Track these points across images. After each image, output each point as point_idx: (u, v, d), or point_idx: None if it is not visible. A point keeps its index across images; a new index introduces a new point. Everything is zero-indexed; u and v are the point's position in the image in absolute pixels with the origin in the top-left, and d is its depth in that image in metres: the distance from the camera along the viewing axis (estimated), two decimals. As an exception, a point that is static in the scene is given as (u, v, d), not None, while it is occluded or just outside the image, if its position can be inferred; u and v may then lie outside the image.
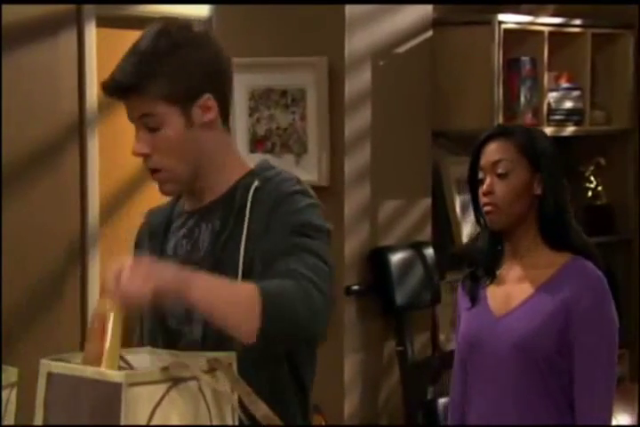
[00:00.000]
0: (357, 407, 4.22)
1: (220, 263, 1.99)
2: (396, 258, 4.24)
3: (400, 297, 4.22)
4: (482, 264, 2.54)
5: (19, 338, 3.80)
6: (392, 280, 4.21)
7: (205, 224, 2.04)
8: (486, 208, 2.48)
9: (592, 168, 4.91)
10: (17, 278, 3.81)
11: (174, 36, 1.98)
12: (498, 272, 2.53)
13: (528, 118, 4.60)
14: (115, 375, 1.54)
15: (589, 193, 4.92)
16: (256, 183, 2.01)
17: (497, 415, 2.46)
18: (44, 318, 3.87)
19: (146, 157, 2.00)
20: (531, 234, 2.50)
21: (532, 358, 2.43)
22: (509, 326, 2.46)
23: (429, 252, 4.35)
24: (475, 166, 2.52)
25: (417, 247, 4.34)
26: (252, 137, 4.27)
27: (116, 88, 1.97)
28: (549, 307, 2.45)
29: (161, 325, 2.04)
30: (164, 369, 1.54)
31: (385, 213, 4.31)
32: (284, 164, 4.21)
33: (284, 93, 4.20)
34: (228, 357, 1.60)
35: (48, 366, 1.64)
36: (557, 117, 4.73)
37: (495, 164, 2.49)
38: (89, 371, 1.58)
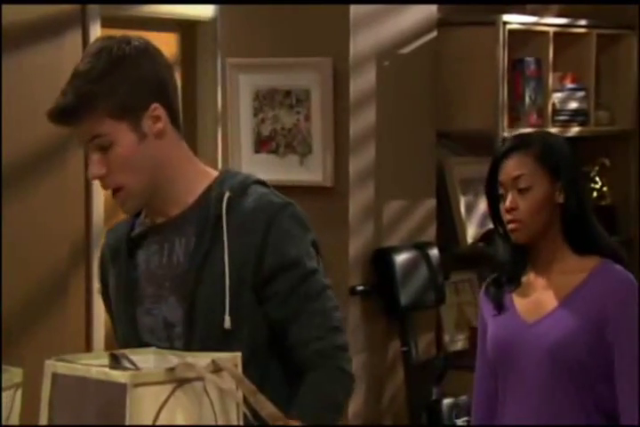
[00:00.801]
0: (361, 407, 4.21)
1: (201, 280, 1.99)
2: (401, 258, 4.24)
3: (404, 297, 4.22)
4: (505, 273, 2.53)
5: (23, 339, 3.80)
6: (396, 281, 4.21)
7: (179, 239, 2.03)
8: (511, 225, 2.46)
9: (597, 169, 4.91)
10: (21, 279, 3.81)
11: (112, 53, 1.98)
12: (523, 279, 2.52)
13: (533, 119, 4.60)
14: (120, 376, 1.53)
15: (594, 194, 4.92)
16: (227, 194, 2.01)
17: (532, 418, 2.45)
18: (49, 319, 3.88)
19: (102, 178, 2.00)
20: (556, 241, 2.49)
21: (566, 362, 2.42)
22: (544, 332, 2.45)
23: (434, 252, 4.35)
24: (493, 181, 2.50)
25: (421, 248, 4.34)
26: (257, 137, 4.27)
27: (59, 115, 1.97)
28: (584, 311, 2.44)
29: (136, 340, 2.03)
30: (170, 370, 1.54)
31: (389, 214, 4.31)
32: (288, 164, 4.22)
33: (288, 94, 4.20)
34: (234, 357, 1.60)
35: (53, 366, 1.63)
36: (562, 118, 4.73)
37: (516, 179, 2.46)
38: (94, 371, 1.57)
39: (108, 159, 1.97)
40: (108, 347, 3.95)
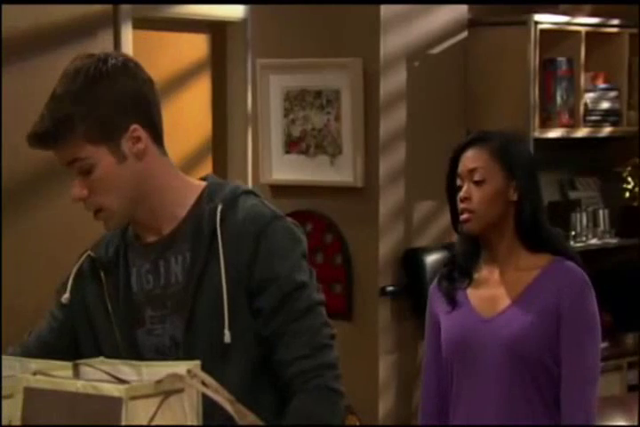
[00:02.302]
0: (392, 408, 4.21)
1: (199, 295, 1.96)
2: (431, 259, 4.24)
3: (434, 298, 4.21)
4: (459, 266, 2.58)
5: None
6: (426, 281, 4.20)
7: (174, 257, 2.00)
8: (464, 215, 2.53)
9: (629, 169, 4.88)
10: (50, 281, 3.83)
11: (89, 73, 1.94)
12: (476, 275, 2.56)
13: (564, 119, 4.58)
14: (113, 389, 1.50)
15: (626, 194, 4.88)
16: (220, 206, 1.98)
17: (489, 414, 2.49)
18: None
19: (84, 200, 1.98)
20: (508, 238, 2.54)
21: (524, 358, 2.47)
22: (500, 327, 2.49)
23: (464, 253, 4.33)
24: (453, 173, 2.58)
25: (451, 248, 4.32)
26: (287, 138, 4.27)
27: (36, 139, 1.94)
28: (539, 306, 2.49)
29: (138, 359, 1.96)
30: (159, 382, 1.53)
31: (419, 214, 4.30)
32: (318, 165, 4.22)
33: (318, 94, 4.20)
34: (196, 365, 1.59)
35: (26, 380, 1.57)
36: (594, 118, 4.70)
37: (471, 171, 2.54)
38: (79, 385, 1.53)
39: (89, 181, 1.96)
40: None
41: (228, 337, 1.94)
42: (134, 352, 2.00)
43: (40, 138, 1.94)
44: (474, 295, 2.55)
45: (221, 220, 1.97)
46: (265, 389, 1.99)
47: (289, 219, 2.03)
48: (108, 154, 1.95)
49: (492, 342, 2.49)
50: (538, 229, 2.54)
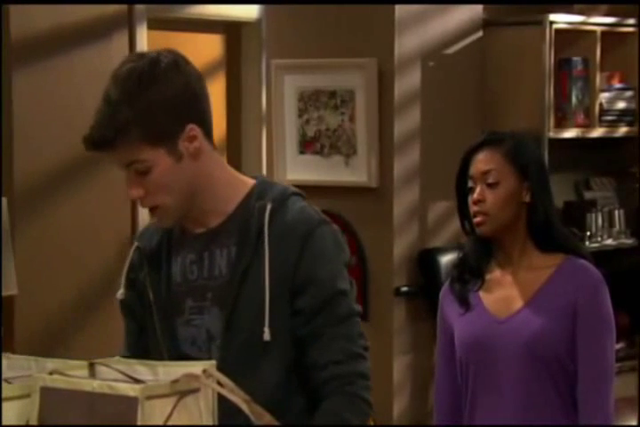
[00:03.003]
0: (407, 408, 4.21)
1: (242, 291, 1.98)
2: (446, 259, 4.23)
3: (449, 299, 4.21)
4: (470, 268, 2.57)
5: (70, 339, 3.84)
6: (441, 281, 4.18)
7: (220, 250, 2.02)
8: (477, 218, 2.52)
9: (644, 169, 4.86)
10: (69, 279, 3.85)
11: (142, 76, 1.95)
12: (487, 277, 2.55)
13: (579, 119, 4.56)
14: (129, 389, 1.50)
15: (641, 195, 4.87)
16: (270, 206, 2.00)
17: (508, 415, 2.48)
18: (96, 319, 3.91)
19: (141, 198, 1.99)
20: (521, 239, 2.54)
21: (542, 357, 2.47)
22: (516, 328, 2.49)
23: (479, 253, 4.33)
24: (463, 174, 2.56)
25: (461, 249, 4.32)
26: (302, 138, 4.27)
27: (95, 144, 1.95)
28: (555, 306, 2.49)
29: (173, 351, 2.01)
30: (174, 382, 1.53)
31: (434, 215, 4.29)
32: (333, 165, 4.22)
33: (333, 95, 4.20)
34: (212, 365, 1.59)
35: (42, 380, 1.57)
36: (609, 118, 4.69)
37: (485, 173, 2.52)
38: (95, 384, 1.53)
39: (146, 181, 1.97)
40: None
41: (267, 335, 1.95)
42: (173, 345, 2.02)
43: (97, 143, 1.95)
44: (487, 297, 2.54)
45: (270, 219, 1.99)
46: (297, 390, 1.99)
47: (335, 225, 2.04)
48: (166, 155, 1.97)
49: (509, 343, 2.48)
50: (550, 228, 2.54)
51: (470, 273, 2.56)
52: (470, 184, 2.54)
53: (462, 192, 2.57)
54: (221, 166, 2.05)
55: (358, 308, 2.02)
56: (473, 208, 2.53)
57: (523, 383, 2.47)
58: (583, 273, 2.51)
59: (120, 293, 2.09)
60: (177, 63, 1.99)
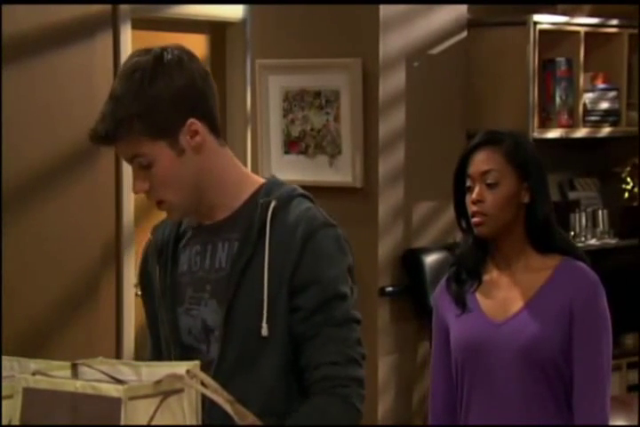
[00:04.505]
0: (391, 408, 4.21)
1: (241, 285, 1.99)
2: (430, 259, 4.24)
3: (434, 299, 4.21)
4: (466, 269, 2.54)
5: (53, 340, 3.83)
6: (426, 282, 4.20)
7: (222, 243, 2.04)
8: (476, 218, 2.49)
9: (628, 169, 4.88)
10: (53, 280, 3.84)
11: (146, 72, 1.98)
12: (484, 278, 2.53)
13: (563, 119, 4.58)
14: (112, 390, 1.50)
15: (626, 194, 4.88)
16: (274, 203, 2.01)
17: (504, 417, 2.48)
18: (79, 320, 3.90)
19: (146, 192, 2.02)
20: (519, 239, 2.51)
21: (539, 360, 2.45)
22: (514, 331, 2.47)
23: (464, 253, 4.33)
24: (461, 173, 2.53)
25: (451, 249, 4.32)
26: (286, 138, 4.27)
27: (98, 137, 2.00)
28: (552, 308, 2.47)
29: (176, 340, 2.04)
30: (158, 382, 1.53)
31: (419, 215, 4.30)
32: (317, 165, 4.22)
33: (317, 95, 4.20)
34: (195, 365, 1.59)
35: (25, 380, 1.57)
36: (593, 118, 4.70)
37: (484, 173, 2.49)
38: (78, 384, 1.52)
39: (151, 176, 2.00)
40: (138, 347, 3.97)
41: (265, 330, 1.96)
42: (175, 334, 2.04)
43: (101, 137, 1.99)
44: (484, 299, 2.52)
45: (273, 216, 2.00)
46: (294, 388, 1.99)
47: (340, 229, 2.04)
48: (167, 149, 1.99)
49: (505, 346, 2.46)
50: (548, 229, 2.52)
51: (467, 274, 2.54)
52: (468, 183, 2.51)
53: (460, 191, 2.54)
54: (231, 163, 2.07)
55: (358, 315, 2.01)
56: (472, 208, 2.50)
57: (518, 385, 2.45)
58: (580, 275, 2.49)
59: (137, 288, 2.15)
60: (181, 59, 2.02)
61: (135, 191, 2.03)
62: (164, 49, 2.02)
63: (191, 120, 1.99)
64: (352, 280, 2.05)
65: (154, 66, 1.99)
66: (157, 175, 1.99)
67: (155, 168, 1.99)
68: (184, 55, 2.03)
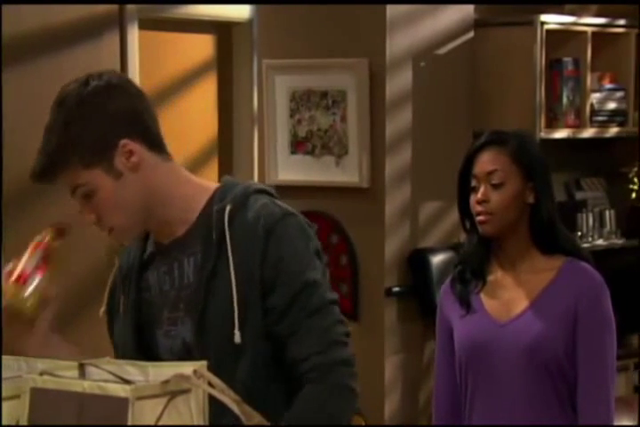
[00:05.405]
0: (398, 408, 4.21)
1: (209, 296, 1.97)
2: (437, 259, 4.23)
3: (441, 299, 4.21)
4: (471, 269, 2.54)
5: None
6: (432, 282, 4.20)
7: (187, 258, 2.02)
8: (480, 217, 2.50)
9: (635, 169, 4.87)
10: (57, 282, 3.83)
11: (72, 102, 1.97)
12: (488, 278, 2.54)
13: (570, 119, 4.57)
14: (119, 390, 1.50)
15: (633, 194, 4.87)
16: (229, 207, 1.99)
17: (508, 417, 2.48)
18: (84, 319, 3.90)
19: (95, 223, 2.02)
20: (524, 240, 2.52)
21: (543, 361, 2.45)
22: (518, 332, 2.47)
23: (470, 253, 4.33)
24: (466, 173, 2.53)
25: (457, 249, 4.32)
26: (293, 138, 4.27)
27: (37, 176, 1.99)
28: (557, 309, 2.47)
29: (155, 360, 2.00)
30: (165, 382, 1.53)
31: (425, 215, 4.30)
32: (324, 165, 4.22)
33: (324, 95, 4.20)
34: (202, 365, 1.59)
35: (32, 380, 1.56)
36: (600, 118, 4.70)
37: (490, 173, 2.50)
38: (85, 385, 1.53)
39: (94, 205, 1.99)
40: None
41: (238, 337, 1.95)
42: (151, 354, 2.02)
43: (39, 175, 1.99)
44: (488, 299, 2.52)
45: (230, 220, 1.98)
46: (277, 378, 1.98)
47: (301, 216, 2.02)
48: (104, 175, 1.98)
49: (509, 347, 2.46)
50: (553, 230, 2.52)
51: (472, 274, 2.53)
52: (473, 183, 2.51)
53: (464, 191, 2.54)
54: (175, 177, 2.03)
55: (333, 295, 2.00)
56: (476, 208, 2.50)
57: (522, 386, 2.46)
58: (584, 276, 2.49)
59: (101, 310, 2.13)
60: (108, 84, 2.00)
61: (88, 223, 2.02)
62: (89, 76, 2.01)
63: (123, 141, 1.97)
64: (321, 261, 2.02)
65: (79, 93, 1.98)
66: (101, 203, 1.98)
67: (96, 197, 1.98)
68: (113, 79, 2.01)
